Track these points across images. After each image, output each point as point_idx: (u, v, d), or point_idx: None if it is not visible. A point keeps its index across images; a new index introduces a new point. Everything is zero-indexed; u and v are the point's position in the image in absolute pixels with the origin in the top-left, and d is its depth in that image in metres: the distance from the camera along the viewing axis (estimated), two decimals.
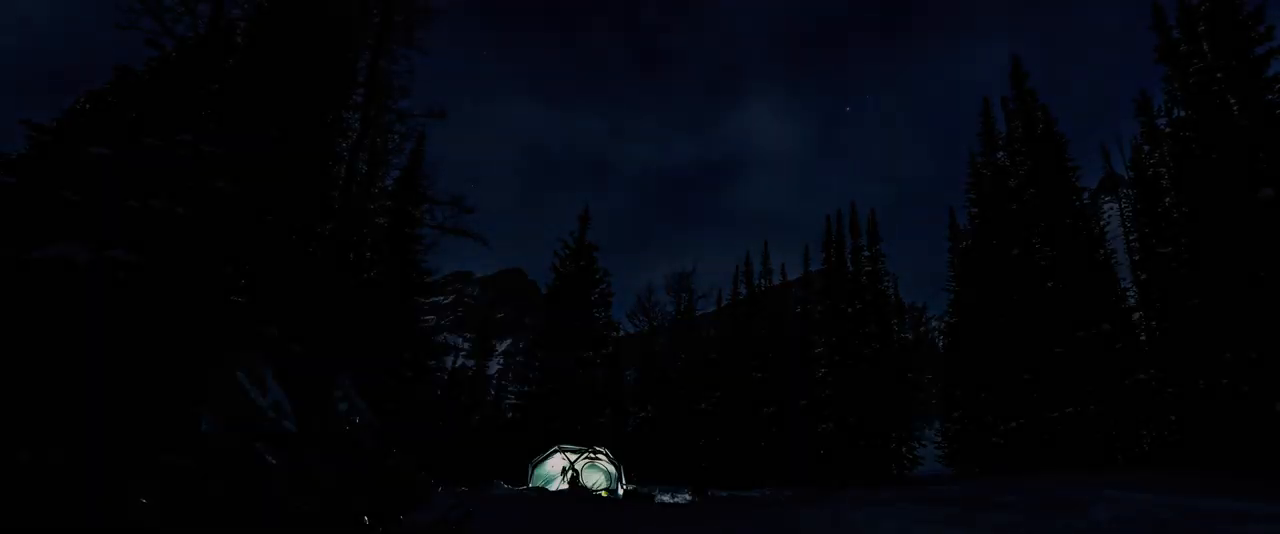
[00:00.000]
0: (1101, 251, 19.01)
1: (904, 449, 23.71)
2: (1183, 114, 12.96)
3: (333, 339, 11.43)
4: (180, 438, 2.52)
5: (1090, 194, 21.38)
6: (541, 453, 15.17)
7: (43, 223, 7.23)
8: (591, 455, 14.84)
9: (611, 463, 14.92)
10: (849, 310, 25.02)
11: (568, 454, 14.87)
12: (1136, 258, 20.40)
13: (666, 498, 14.88)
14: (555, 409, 22.71)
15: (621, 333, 35.71)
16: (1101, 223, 20.76)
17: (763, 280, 31.61)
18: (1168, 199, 17.00)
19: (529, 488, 14.01)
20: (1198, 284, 11.77)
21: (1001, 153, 21.92)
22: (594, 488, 14.38)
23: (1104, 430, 16.56)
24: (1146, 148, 19.55)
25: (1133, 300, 19.69)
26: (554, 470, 14.78)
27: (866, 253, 26.61)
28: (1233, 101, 12.02)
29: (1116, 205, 22.93)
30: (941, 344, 32.77)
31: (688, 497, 15.58)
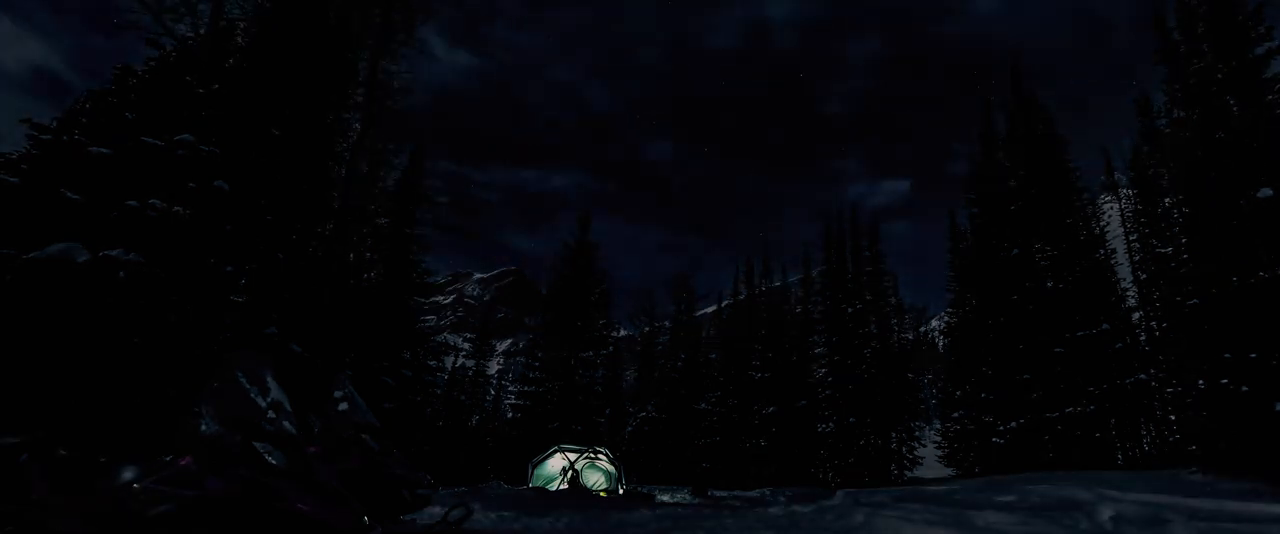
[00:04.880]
0: (1101, 252, 19.02)
1: (904, 449, 23.72)
2: (1182, 114, 12.95)
3: (333, 339, 11.44)
4: (180, 437, 2.52)
5: (1090, 194, 21.39)
6: (541, 453, 15.16)
7: (44, 223, 7.24)
8: (591, 455, 14.82)
9: (611, 463, 14.91)
10: (849, 310, 25.02)
11: (568, 454, 14.85)
12: (1136, 258, 20.43)
13: (666, 498, 14.88)
14: (555, 409, 22.72)
15: (621, 333, 35.72)
16: (1102, 223, 20.76)
17: (763, 281, 31.64)
18: (1168, 199, 17.01)
19: (529, 488, 13.99)
20: (1198, 284, 11.77)
21: (1002, 153, 21.93)
22: (594, 488, 14.37)
23: (1104, 430, 16.57)
24: (1146, 148, 19.56)
25: (1133, 300, 19.70)
26: (554, 470, 14.77)
27: (867, 253, 26.63)
28: (1232, 102, 12.02)
29: (1116, 205, 22.92)
30: (941, 344, 32.77)
31: (688, 497, 15.58)
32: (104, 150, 7.89)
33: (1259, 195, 10.80)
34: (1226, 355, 10.72)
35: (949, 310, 24.10)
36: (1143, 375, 16.79)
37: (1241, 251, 10.95)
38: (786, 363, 26.48)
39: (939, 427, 25.39)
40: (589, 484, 14.46)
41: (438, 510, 7.39)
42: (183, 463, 2.39)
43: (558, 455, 14.93)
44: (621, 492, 14.43)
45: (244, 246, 8.99)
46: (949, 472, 22.42)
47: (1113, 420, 16.74)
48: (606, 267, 26.62)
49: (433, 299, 23.03)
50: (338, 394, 4.09)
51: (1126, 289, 19.67)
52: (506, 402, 32.99)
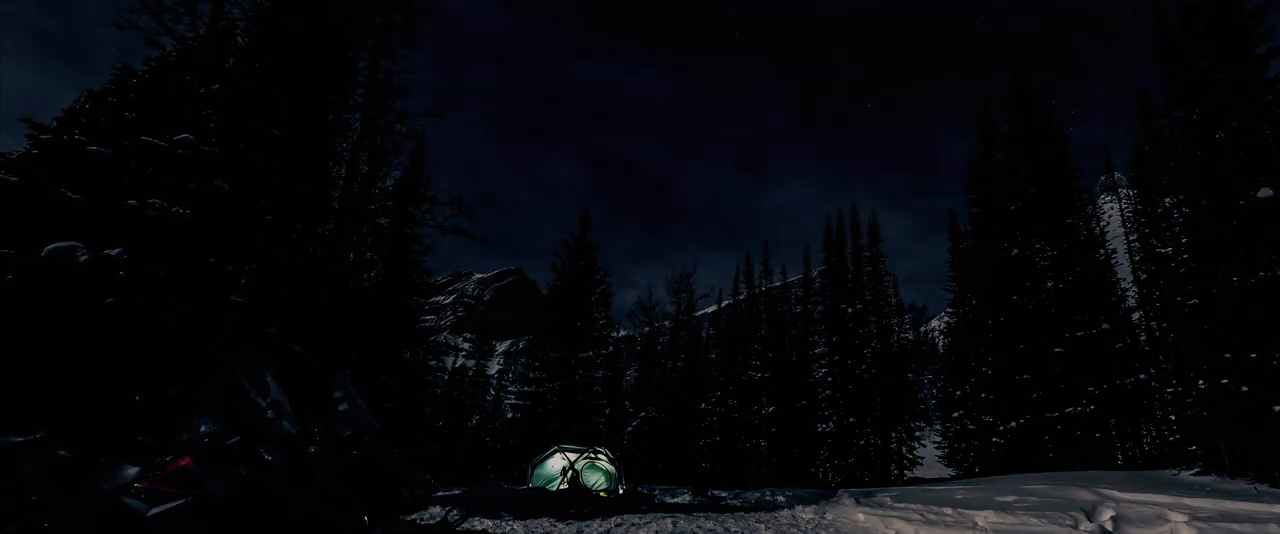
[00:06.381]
0: (1101, 252, 19.02)
1: (904, 449, 23.73)
2: (1182, 114, 12.94)
3: (333, 339, 11.44)
4: (180, 437, 2.52)
5: (1090, 194, 21.40)
6: (541, 453, 15.13)
7: (44, 222, 7.24)
8: (591, 455, 14.80)
9: (611, 463, 14.90)
10: (849, 310, 25.03)
11: (568, 454, 14.84)
12: (1136, 258, 20.45)
13: (666, 498, 14.87)
14: (555, 409, 22.71)
15: (621, 333, 35.73)
16: (1102, 223, 20.77)
17: (763, 281, 31.66)
18: (1168, 199, 17.01)
19: (529, 488, 13.99)
20: (1198, 284, 11.76)
21: (1002, 153, 21.93)
22: (594, 488, 14.35)
23: (1104, 430, 16.56)
24: (1146, 148, 19.57)
25: (1133, 300, 19.71)
26: (554, 470, 14.75)
27: (867, 253, 26.64)
28: (1232, 102, 12.01)
29: (1116, 205, 22.94)
30: (941, 344, 32.78)
31: (688, 497, 15.57)
32: (104, 150, 7.90)
33: (1259, 195, 10.80)
34: (1226, 355, 10.72)
35: (949, 310, 24.13)
36: (1143, 375, 16.79)
37: (1241, 251, 10.94)
38: (786, 363, 26.49)
39: (939, 427, 25.41)
40: (589, 484, 14.46)
41: (438, 511, 7.40)
42: (183, 463, 2.39)
43: (558, 455, 14.92)
44: (621, 492, 14.42)
45: (244, 246, 8.99)
46: (949, 472, 22.42)
47: (1113, 420, 16.73)
48: (606, 266, 26.61)
49: (433, 299, 23.05)
50: (338, 394, 4.08)
51: (1126, 289, 19.68)
52: (506, 402, 33.00)
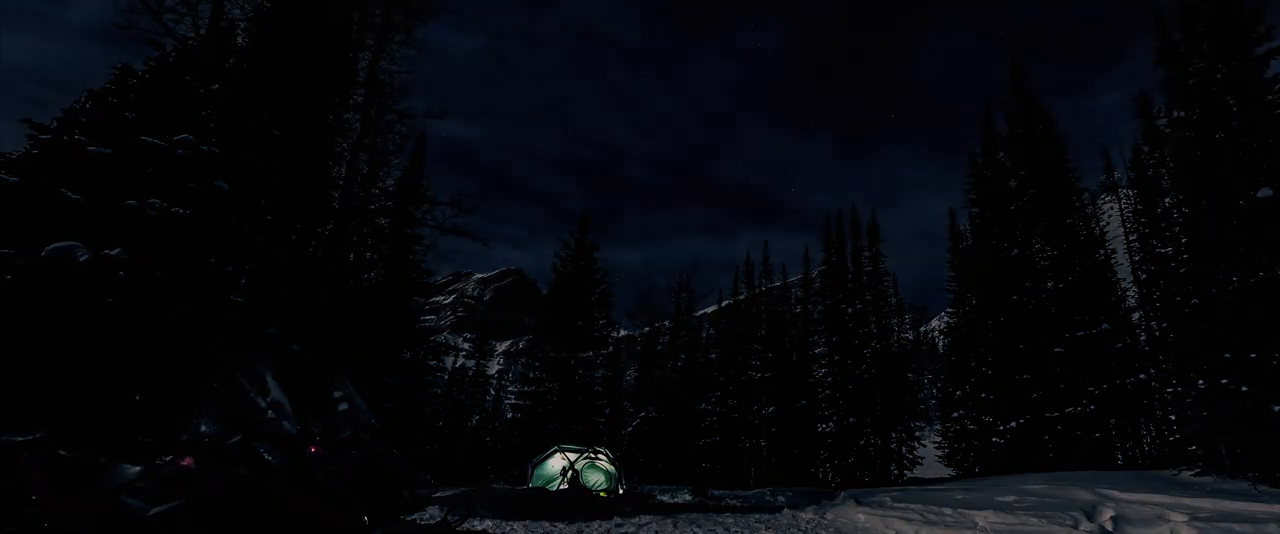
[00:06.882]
0: (1101, 252, 19.02)
1: (904, 449, 23.73)
2: (1182, 114, 12.93)
3: (333, 339, 11.45)
4: (180, 437, 2.52)
5: (1090, 194, 21.40)
6: (541, 453, 15.15)
7: (44, 223, 7.24)
8: (591, 455, 14.81)
9: (611, 463, 14.90)
10: (849, 310, 25.04)
11: (568, 454, 14.84)
12: (1136, 258, 20.44)
13: (666, 498, 14.88)
14: (555, 409, 22.71)
15: (621, 333, 35.74)
16: (1102, 223, 20.77)
17: (763, 280, 31.68)
18: (1168, 199, 17.01)
19: (529, 488, 13.99)
20: (1198, 284, 11.76)
21: (1002, 153, 21.93)
22: (594, 488, 14.36)
23: (1104, 430, 16.57)
24: (1146, 149, 19.58)
25: (1133, 300, 19.71)
26: (554, 470, 14.76)
27: (867, 253, 26.66)
28: (1232, 102, 12.01)
29: (1116, 205, 22.94)
30: (941, 344, 32.79)
31: (688, 497, 15.57)
32: (104, 150, 7.89)
33: (1259, 195, 10.80)
34: (1226, 355, 10.71)
35: (949, 310, 24.12)
36: (1143, 375, 16.78)
37: (1241, 251, 10.94)
38: (786, 363, 26.49)
39: (939, 427, 25.40)
40: (589, 484, 14.46)
41: (437, 511, 7.40)
42: (183, 463, 2.39)
43: (558, 455, 14.93)
44: (621, 492, 14.43)
45: (244, 246, 8.99)
46: (949, 472, 22.42)
47: (1113, 420, 16.74)
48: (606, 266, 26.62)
49: (433, 299, 23.06)
50: (338, 394, 4.08)
51: (1126, 289, 19.68)
52: (506, 402, 33.01)
